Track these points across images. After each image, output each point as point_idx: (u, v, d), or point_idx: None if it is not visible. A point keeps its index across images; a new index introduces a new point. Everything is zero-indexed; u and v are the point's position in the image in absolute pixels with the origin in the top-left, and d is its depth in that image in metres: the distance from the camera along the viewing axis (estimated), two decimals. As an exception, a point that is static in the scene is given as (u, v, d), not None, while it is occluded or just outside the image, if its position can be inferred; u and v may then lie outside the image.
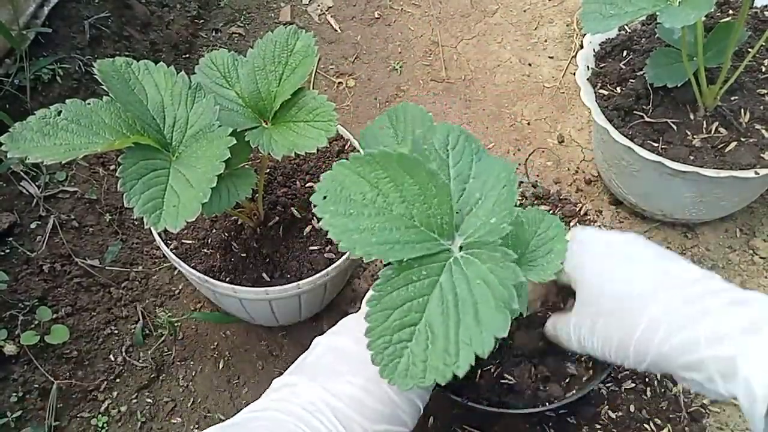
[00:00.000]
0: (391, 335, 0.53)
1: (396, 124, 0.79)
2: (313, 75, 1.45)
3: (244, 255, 0.92)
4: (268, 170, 1.00)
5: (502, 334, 0.51)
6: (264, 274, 0.90)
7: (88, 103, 0.70)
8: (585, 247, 0.66)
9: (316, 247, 0.92)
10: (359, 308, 1.01)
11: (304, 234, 0.94)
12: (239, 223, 0.94)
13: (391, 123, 0.79)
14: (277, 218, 0.95)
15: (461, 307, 0.53)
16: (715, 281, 0.56)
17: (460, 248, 0.57)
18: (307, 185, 0.99)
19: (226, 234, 0.94)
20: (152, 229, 0.81)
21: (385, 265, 0.56)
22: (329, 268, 0.88)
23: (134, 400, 1.02)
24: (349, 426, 0.53)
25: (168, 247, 0.91)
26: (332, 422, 0.53)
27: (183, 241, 0.93)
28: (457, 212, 0.58)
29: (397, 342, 0.53)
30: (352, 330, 0.62)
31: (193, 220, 0.66)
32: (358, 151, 1.01)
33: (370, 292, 0.55)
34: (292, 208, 0.96)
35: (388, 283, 0.55)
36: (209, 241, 0.93)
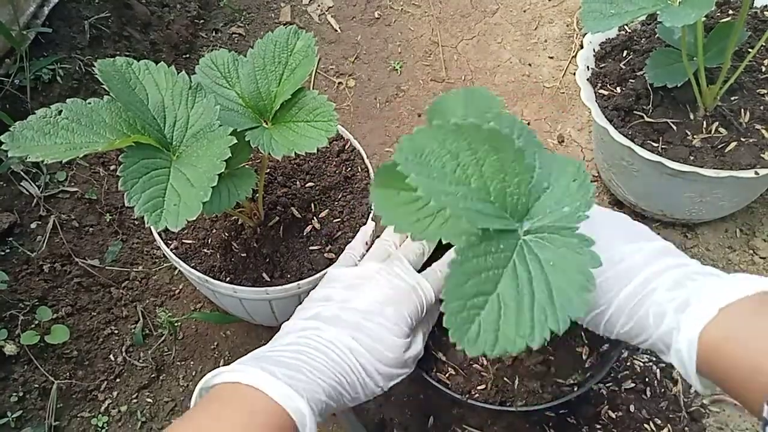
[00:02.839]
0: (466, 300, 0.53)
1: (469, 103, 0.77)
2: (313, 75, 1.45)
3: (244, 255, 0.92)
4: (268, 170, 1.00)
5: (579, 315, 0.52)
6: (264, 274, 0.90)
7: (89, 103, 0.70)
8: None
9: (316, 247, 0.92)
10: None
11: (304, 234, 0.94)
12: (239, 223, 0.94)
13: (465, 101, 0.78)
14: (277, 218, 0.95)
15: (536, 285, 0.54)
16: (669, 258, 0.63)
17: (527, 232, 0.58)
18: (307, 185, 0.99)
19: (227, 234, 0.94)
20: (152, 228, 0.81)
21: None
22: (329, 268, 0.88)
23: (134, 400, 1.02)
24: (364, 365, 0.64)
25: (168, 247, 0.91)
26: (349, 357, 0.63)
27: (183, 240, 0.93)
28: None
29: (471, 308, 0.53)
30: (359, 286, 0.70)
31: (194, 219, 0.66)
32: (358, 150, 1.01)
33: (453, 255, 0.55)
34: (292, 208, 0.96)
35: (471, 249, 0.55)
36: (209, 240, 0.93)
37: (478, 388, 0.78)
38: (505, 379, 0.79)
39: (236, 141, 0.70)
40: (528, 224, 0.59)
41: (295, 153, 0.74)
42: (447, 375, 0.79)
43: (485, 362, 0.80)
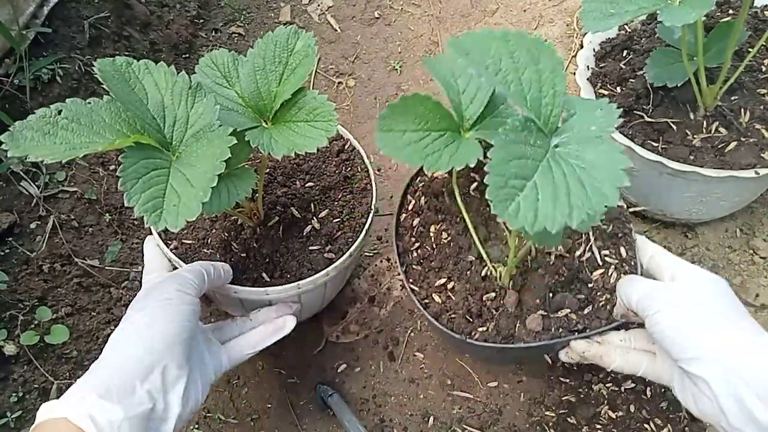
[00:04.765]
0: (507, 179, 0.55)
1: (516, 46, 0.78)
2: (313, 75, 1.45)
3: (244, 255, 0.92)
4: (268, 170, 1.00)
5: (613, 204, 0.54)
6: (264, 274, 0.90)
7: (89, 103, 0.70)
8: (680, 315, 0.67)
9: (316, 247, 0.92)
10: (357, 306, 1.00)
11: (304, 234, 0.94)
12: (239, 223, 0.94)
13: (505, 42, 0.79)
14: (277, 218, 0.95)
15: (570, 182, 0.56)
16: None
17: (556, 146, 0.60)
18: (307, 185, 0.99)
19: (226, 234, 0.94)
20: (152, 228, 0.81)
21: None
22: (329, 268, 0.88)
23: (134, 400, 1.02)
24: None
25: (168, 247, 0.91)
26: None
27: (183, 240, 0.93)
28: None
29: (511, 187, 0.55)
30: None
31: (194, 219, 0.65)
32: (358, 150, 1.01)
33: (498, 135, 0.57)
34: (292, 208, 0.96)
35: (513, 132, 0.57)
36: (209, 241, 0.93)
37: (480, 329, 0.79)
38: (507, 321, 0.80)
39: (236, 141, 0.70)
40: (557, 140, 0.61)
41: (295, 153, 0.74)
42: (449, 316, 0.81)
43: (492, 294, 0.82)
